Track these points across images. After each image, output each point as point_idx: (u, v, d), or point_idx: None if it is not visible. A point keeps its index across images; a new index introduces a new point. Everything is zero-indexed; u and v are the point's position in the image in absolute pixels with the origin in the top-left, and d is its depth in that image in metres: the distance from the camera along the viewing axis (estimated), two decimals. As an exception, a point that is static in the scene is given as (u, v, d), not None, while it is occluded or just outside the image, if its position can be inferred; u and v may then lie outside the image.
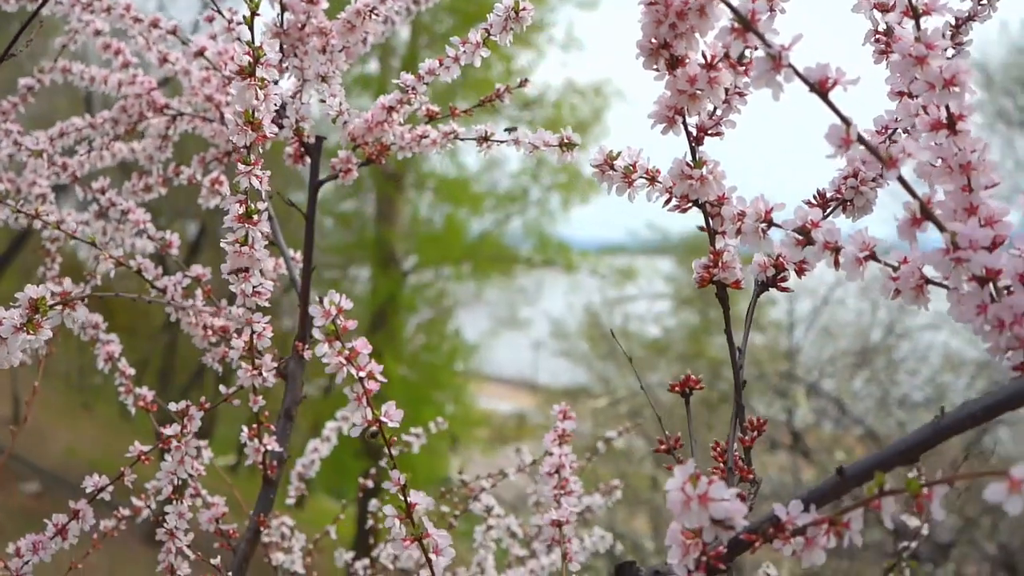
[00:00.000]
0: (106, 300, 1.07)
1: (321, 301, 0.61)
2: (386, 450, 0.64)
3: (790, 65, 0.50)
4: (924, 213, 0.52)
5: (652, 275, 10.50)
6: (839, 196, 0.69)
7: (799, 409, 5.93)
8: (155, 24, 1.09)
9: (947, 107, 0.54)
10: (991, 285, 0.51)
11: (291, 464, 1.56)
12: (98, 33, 1.19)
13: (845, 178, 0.69)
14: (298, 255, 1.11)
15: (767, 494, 6.59)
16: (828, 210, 0.69)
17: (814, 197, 0.70)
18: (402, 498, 0.65)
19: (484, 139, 0.95)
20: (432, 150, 0.97)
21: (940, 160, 0.55)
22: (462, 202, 11.92)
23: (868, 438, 6.43)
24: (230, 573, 0.97)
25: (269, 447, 0.97)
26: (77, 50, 1.32)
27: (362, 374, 0.62)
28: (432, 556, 0.65)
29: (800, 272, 0.69)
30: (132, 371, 1.10)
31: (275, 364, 0.91)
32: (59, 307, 0.65)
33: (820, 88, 0.51)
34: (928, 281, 0.55)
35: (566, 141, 0.84)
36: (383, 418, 0.63)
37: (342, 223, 11.91)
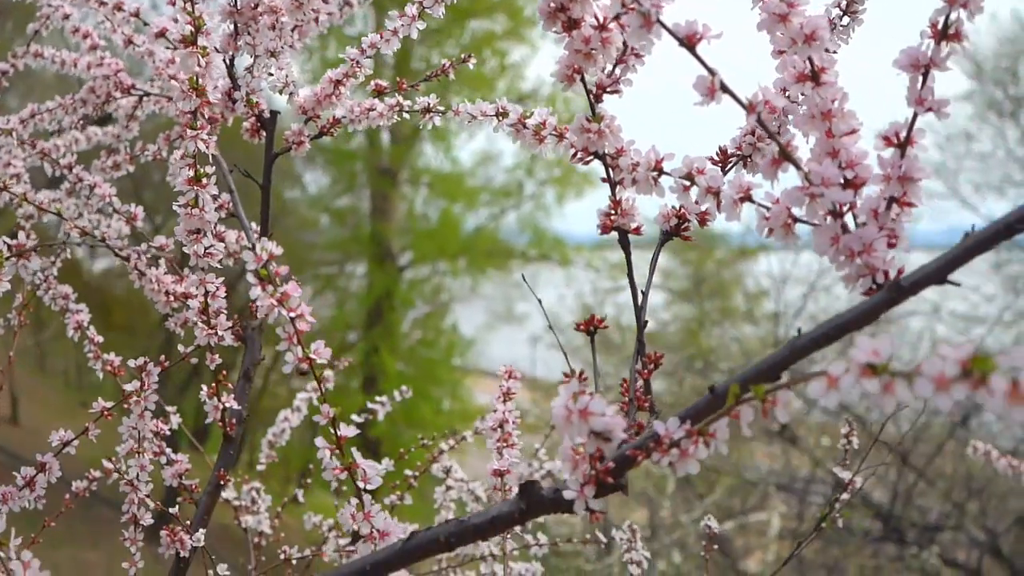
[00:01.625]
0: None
1: (254, 248, 0.67)
2: (317, 385, 0.70)
3: (659, 22, 0.56)
4: (783, 155, 0.57)
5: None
6: (739, 152, 0.75)
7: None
8: (119, 7, 1.14)
9: (810, 60, 0.59)
10: (843, 219, 0.57)
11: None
12: (67, 17, 1.24)
13: (744, 135, 0.74)
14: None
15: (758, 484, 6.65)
16: (729, 165, 0.75)
17: (716, 153, 0.75)
18: (332, 431, 0.71)
19: (427, 110, 1.00)
20: (379, 122, 1.03)
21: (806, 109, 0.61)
22: (457, 197, 11.97)
23: (858, 424, 6.48)
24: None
25: (228, 405, 1.02)
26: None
27: (293, 314, 0.68)
28: (360, 484, 0.70)
29: (702, 222, 0.74)
30: (100, 339, 1.16)
31: (230, 324, 0.96)
32: (13, 258, 0.71)
33: (688, 42, 0.57)
34: (796, 219, 0.60)
35: (501, 111, 0.89)
36: (312, 355, 0.69)
37: (338, 219, 11.96)
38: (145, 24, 1.13)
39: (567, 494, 0.60)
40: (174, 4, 1.12)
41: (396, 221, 11.89)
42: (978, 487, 5.88)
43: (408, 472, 1.38)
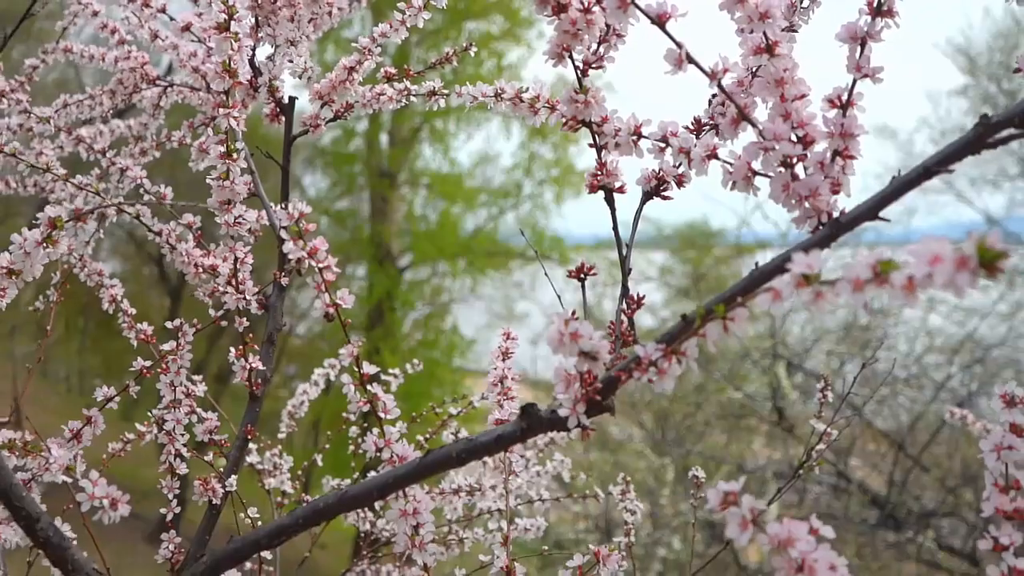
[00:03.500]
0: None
1: (286, 207, 0.77)
2: (341, 326, 0.80)
3: (633, 3, 0.66)
4: (741, 115, 0.67)
5: (647, 267, 10.65)
6: (712, 121, 0.85)
7: (783, 385, 6.08)
8: (147, 4, 1.24)
9: (765, 35, 0.69)
10: (794, 169, 0.67)
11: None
12: (95, 14, 1.34)
13: (714, 105, 0.84)
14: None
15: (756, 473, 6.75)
16: (702, 132, 0.84)
17: (692, 122, 0.85)
18: (356, 369, 0.80)
19: (432, 93, 1.10)
20: (389, 105, 1.12)
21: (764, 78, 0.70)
22: (456, 198, 12.07)
23: (852, 411, 6.58)
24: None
25: (254, 366, 1.12)
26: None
27: (321, 265, 0.78)
28: (381, 415, 0.80)
29: (679, 184, 0.84)
30: (134, 311, 1.25)
31: (257, 290, 1.06)
32: (72, 222, 0.81)
33: (659, 20, 0.66)
34: (754, 172, 0.70)
35: (500, 91, 0.98)
36: (339, 301, 0.79)
37: (337, 221, 12.06)
38: (171, 19, 1.23)
39: (561, 411, 0.70)
40: (196, 1, 1.22)
41: (395, 223, 11.99)
42: (972, 474, 5.98)
43: (420, 437, 1.48)
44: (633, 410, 8.10)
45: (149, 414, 1.28)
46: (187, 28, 1.21)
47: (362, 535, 1.54)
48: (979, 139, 0.60)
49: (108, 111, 1.35)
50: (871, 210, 0.63)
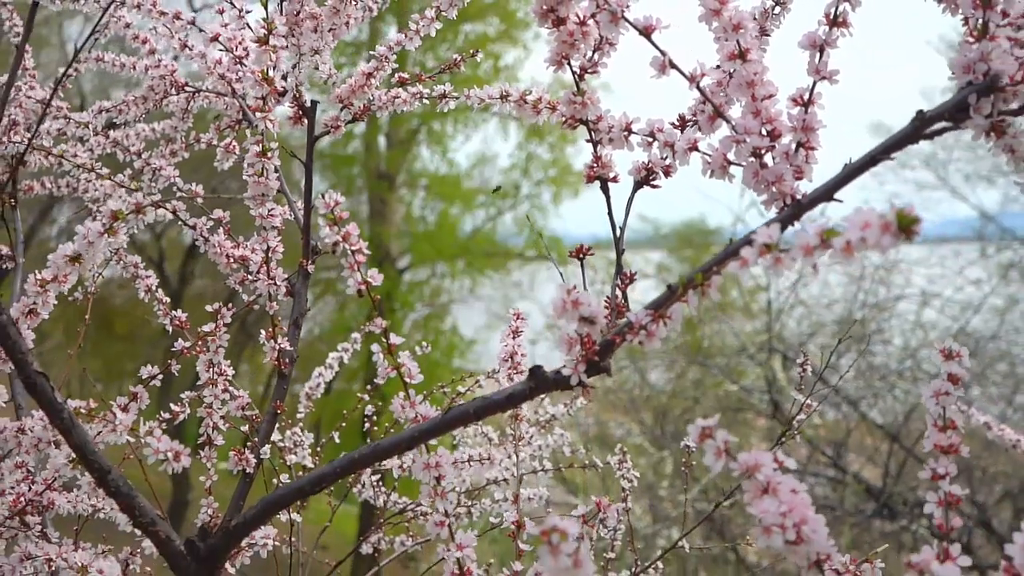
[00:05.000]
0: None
1: (323, 196, 0.88)
2: (372, 302, 0.90)
3: (624, 17, 0.77)
4: (716, 113, 0.78)
5: (644, 265, 10.76)
6: (695, 118, 0.95)
7: (778, 378, 6.19)
8: (177, 17, 1.35)
9: (738, 43, 0.80)
10: (763, 159, 0.78)
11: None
12: (128, 26, 1.45)
13: (696, 105, 0.95)
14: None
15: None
16: (686, 127, 0.95)
17: (677, 119, 0.96)
18: (385, 339, 0.91)
19: (443, 96, 1.21)
20: (404, 107, 1.24)
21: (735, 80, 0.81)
22: (454, 199, 12.18)
23: (848, 405, 6.71)
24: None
25: (283, 346, 1.23)
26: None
27: (354, 248, 0.88)
28: (407, 380, 0.91)
29: (667, 174, 0.95)
30: (168, 299, 1.36)
31: (286, 276, 1.17)
32: (133, 214, 0.91)
33: (646, 32, 0.77)
34: (729, 162, 0.81)
35: (504, 93, 1.09)
36: (368, 279, 0.89)
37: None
38: (201, 31, 1.34)
39: (564, 371, 0.81)
40: (222, 12, 1.33)
41: (394, 224, 12.09)
42: (966, 464, 6.09)
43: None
44: (633, 409, 8.22)
45: (182, 396, 1.39)
46: (215, 39, 1.32)
47: (378, 510, 1.65)
48: (916, 131, 0.71)
49: (140, 115, 1.46)
50: (827, 192, 0.73)
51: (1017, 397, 6.78)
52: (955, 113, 0.70)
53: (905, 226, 0.54)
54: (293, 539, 1.57)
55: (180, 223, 1.28)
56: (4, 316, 0.81)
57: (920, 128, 0.71)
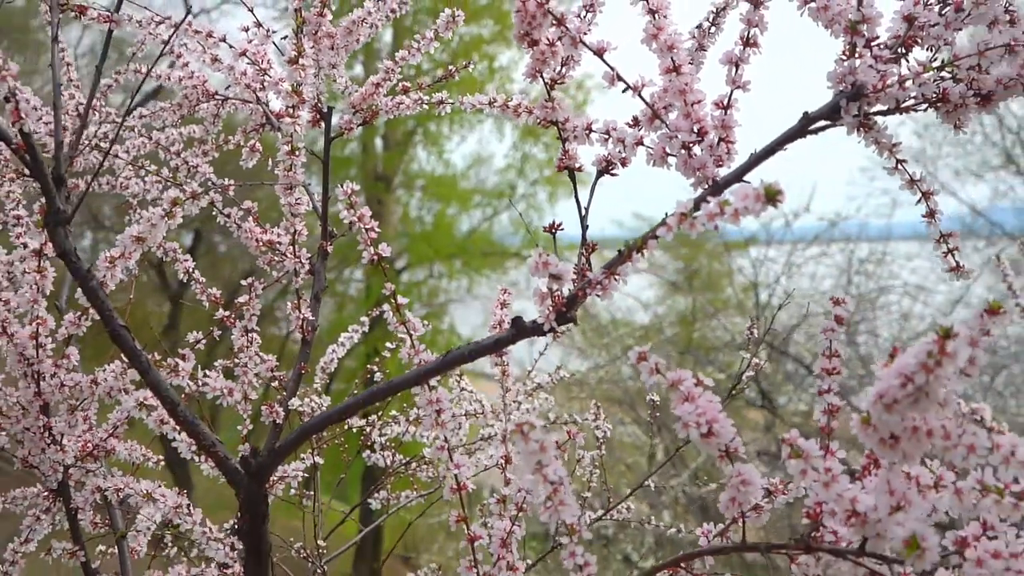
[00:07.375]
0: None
1: (342, 185, 1.09)
2: (384, 276, 1.12)
3: (582, 41, 0.98)
4: (654, 115, 1.00)
5: (640, 262, 10.94)
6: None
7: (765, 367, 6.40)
8: (210, 35, 1.57)
9: (672, 59, 1.02)
10: (692, 151, 0.99)
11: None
12: (165, 43, 1.66)
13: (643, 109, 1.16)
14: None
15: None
16: (638, 126, 1.17)
17: (631, 119, 1.18)
18: (394, 301, 1.13)
19: (441, 102, 1.42)
20: (407, 112, 1.45)
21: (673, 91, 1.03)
22: (450, 199, 12.38)
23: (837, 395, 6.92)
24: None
25: (306, 316, 1.44)
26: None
27: (367, 226, 1.10)
28: (411, 333, 1.13)
29: (624, 164, 1.16)
30: (203, 279, 1.58)
31: (309, 255, 1.39)
32: (188, 200, 1.13)
33: (599, 52, 0.99)
34: (667, 153, 1.03)
35: (493, 99, 1.31)
36: (380, 251, 1.11)
37: (334, 225, 12.37)
38: (231, 46, 1.55)
39: (539, 319, 1.02)
40: (247, 31, 1.55)
41: (391, 225, 12.30)
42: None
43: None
44: (631, 407, 8.43)
45: (215, 364, 1.60)
46: (243, 54, 1.54)
47: (383, 469, 1.87)
48: (802, 129, 0.92)
49: (176, 121, 1.67)
50: (736, 176, 0.95)
51: (996, 381, 7.01)
52: (831, 114, 0.91)
53: (771, 196, 0.75)
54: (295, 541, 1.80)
55: (216, 211, 1.49)
56: (94, 282, 1.02)
57: (805, 125, 0.92)
